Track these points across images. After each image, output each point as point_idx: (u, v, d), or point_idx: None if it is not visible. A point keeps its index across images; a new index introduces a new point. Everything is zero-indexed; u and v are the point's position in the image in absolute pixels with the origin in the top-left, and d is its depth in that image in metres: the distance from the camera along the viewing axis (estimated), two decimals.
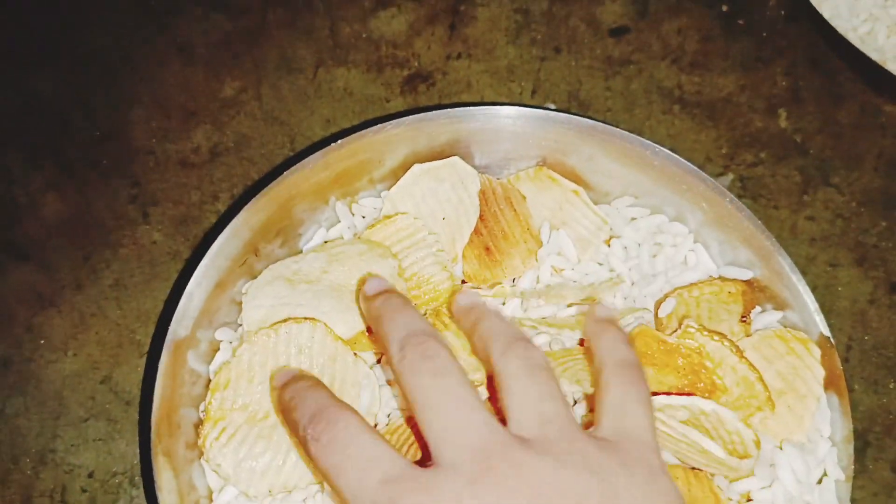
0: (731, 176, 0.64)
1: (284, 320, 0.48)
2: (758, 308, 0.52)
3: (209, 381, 0.50)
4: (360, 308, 0.48)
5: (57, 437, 0.55)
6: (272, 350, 0.47)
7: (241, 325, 0.51)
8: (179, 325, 0.48)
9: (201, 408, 0.49)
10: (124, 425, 0.55)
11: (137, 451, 0.54)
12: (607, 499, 0.35)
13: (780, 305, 0.52)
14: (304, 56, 0.70)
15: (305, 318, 0.48)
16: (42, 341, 0.58)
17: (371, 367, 0.49)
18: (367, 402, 0.47)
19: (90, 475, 0.54)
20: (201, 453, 0.47)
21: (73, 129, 0.66)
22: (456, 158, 0.55)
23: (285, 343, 0.47)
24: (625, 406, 0.39)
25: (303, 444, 0.38)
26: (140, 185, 0.63)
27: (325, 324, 0.48)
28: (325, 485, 0.45)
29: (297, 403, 0.40)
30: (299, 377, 0.42)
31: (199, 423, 0.47)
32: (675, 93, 0.68)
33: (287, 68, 0.69)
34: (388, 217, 0.53)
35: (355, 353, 0.48)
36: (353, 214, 0.56)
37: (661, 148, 0.54)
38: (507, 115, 0.54)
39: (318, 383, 0.42)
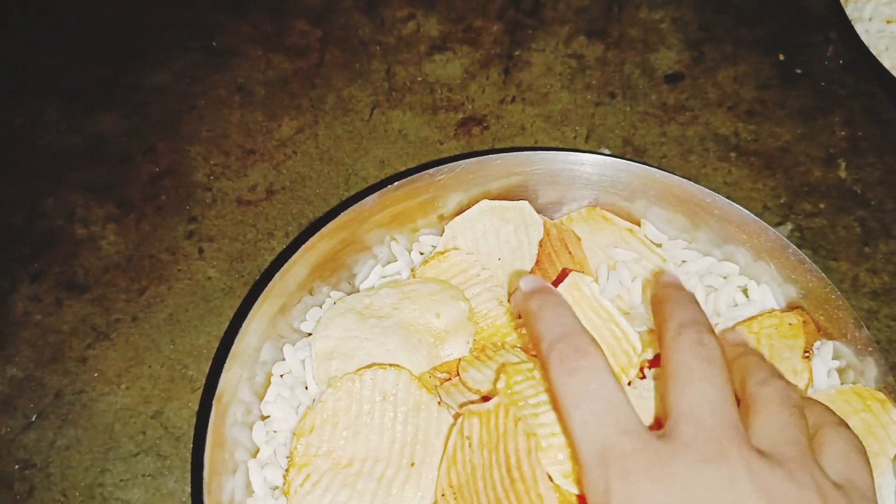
0: (789, 226, 0.63)
1: (370, 366, 0.48)
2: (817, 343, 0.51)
3: (262, 417, 0.50)
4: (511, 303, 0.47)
5: (106, 472, 0.55)
6: (356, 396, 0.46)
7: (283, 359, 0.52)
8: (234, 363, 0.48)
9: (255, 438, 0.49)
10: (174, 462, 0.55)
11: (186, 488, 0.54)
12: None
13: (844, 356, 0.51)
14: (359, 98, 0.71)
15: (390, 365, 0.47)
16: (95, 374, 0.58)
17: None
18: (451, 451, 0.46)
19: None
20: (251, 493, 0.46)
21: (133, 165, 0.67)
22: (525, 203, 0.55)
23: (370, 389, 0.47)
24: (851, 458, 0.39)
25: (543, 360, 0.39)
26: (197, 221, 0.64)
27: (409, 371, 0.47)
28: None
29: (546, 316, 0.40)
30: (548, 290, 0.42)
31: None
32: (731, 140, 0.67)
33: (343, 109, 0.70)
34: (441, 253, 0.53)
35: (439, 402, 0.47)
36: (411, 251, 0.56)
37: (720, 197, 0.53)
38: (567, 160, 0.54)
39: (565, 302, 0.42)
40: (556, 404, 0.40)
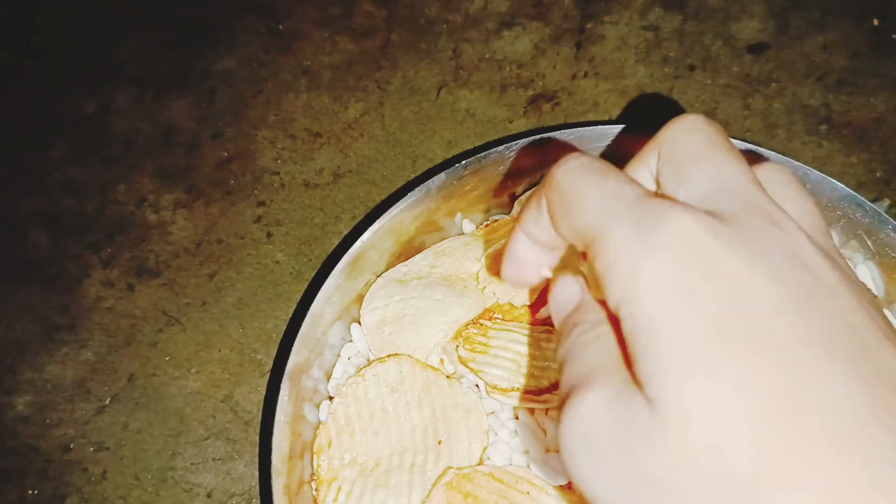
0: (886, 202, 0.59)
1: (368, 363, 0.47)
2: None
3: (330, 397, 0.49)
4: None
5: (177, 455, 0.55)
6: (364, 397, 0.46)
7: (351, 340, 0.51)
8: (302, 348, 0.47)
9: (323, 419, 0.48)
10: (243, 446, 0.54)
11: (256, 472, 0.53)
12: None
13: None
14: (426, 78, 0.69)
15: (388, 356, 0.47)
16: (167, 358, 0.58)
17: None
18: (476, 421, 0.45)
19: (209, 495, 0.53)
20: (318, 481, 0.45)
21: (202, 151, 0.67)
22: None
23: (375, 386, 0.46)
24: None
25: None
26: (265, 205, 0.64)
27: (409, 355, 0.47)
28: None
29: None
30: None
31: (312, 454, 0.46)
32: (821, 113, 0.63)
33: (409, 90, 0.68)
34: (495, 221, 0.53)
35: (448, 376, 0.46)
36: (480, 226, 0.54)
37: (812, 170, 0.49)
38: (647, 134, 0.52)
39: None
40: None
